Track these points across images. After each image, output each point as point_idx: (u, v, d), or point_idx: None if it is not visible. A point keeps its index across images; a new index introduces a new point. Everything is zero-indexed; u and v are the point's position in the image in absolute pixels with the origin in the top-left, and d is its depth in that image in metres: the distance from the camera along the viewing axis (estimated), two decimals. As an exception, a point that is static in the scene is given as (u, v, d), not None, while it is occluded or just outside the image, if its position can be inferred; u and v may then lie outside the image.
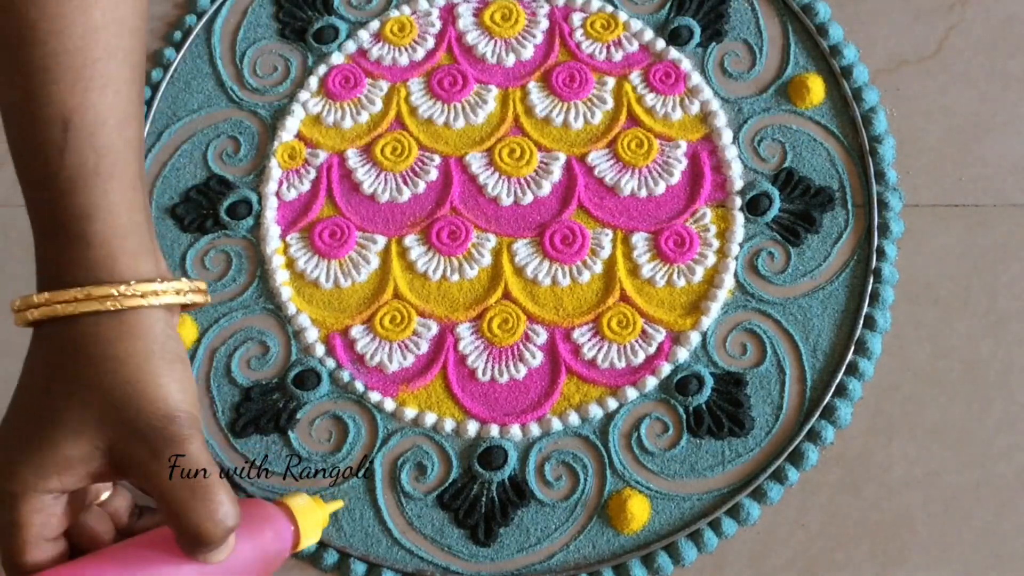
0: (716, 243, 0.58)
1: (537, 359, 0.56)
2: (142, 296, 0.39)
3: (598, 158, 0.60)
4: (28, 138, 0.40)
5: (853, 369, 0.54)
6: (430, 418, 0.55)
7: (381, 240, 0.59)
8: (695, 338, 0.56)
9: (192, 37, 0.65)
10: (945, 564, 0.51)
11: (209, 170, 0.61)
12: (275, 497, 0.54)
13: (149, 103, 0.63)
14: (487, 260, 0.58)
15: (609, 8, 0.64)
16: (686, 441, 0.54)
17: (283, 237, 0.59)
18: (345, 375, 0.56)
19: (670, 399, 0.55)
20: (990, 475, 0.52)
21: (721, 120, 0.60)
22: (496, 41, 0.63)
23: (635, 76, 0.62)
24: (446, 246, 0.58)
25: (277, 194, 0.60)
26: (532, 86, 0.62)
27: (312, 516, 0.43)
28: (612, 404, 0.55)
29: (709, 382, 0.55)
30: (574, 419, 0.55)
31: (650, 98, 0.61)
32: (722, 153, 0.59)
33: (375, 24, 0.64)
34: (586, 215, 0.59)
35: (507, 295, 0.57)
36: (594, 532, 0.53)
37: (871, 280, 0.56)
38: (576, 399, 0.55)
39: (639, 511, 0.52)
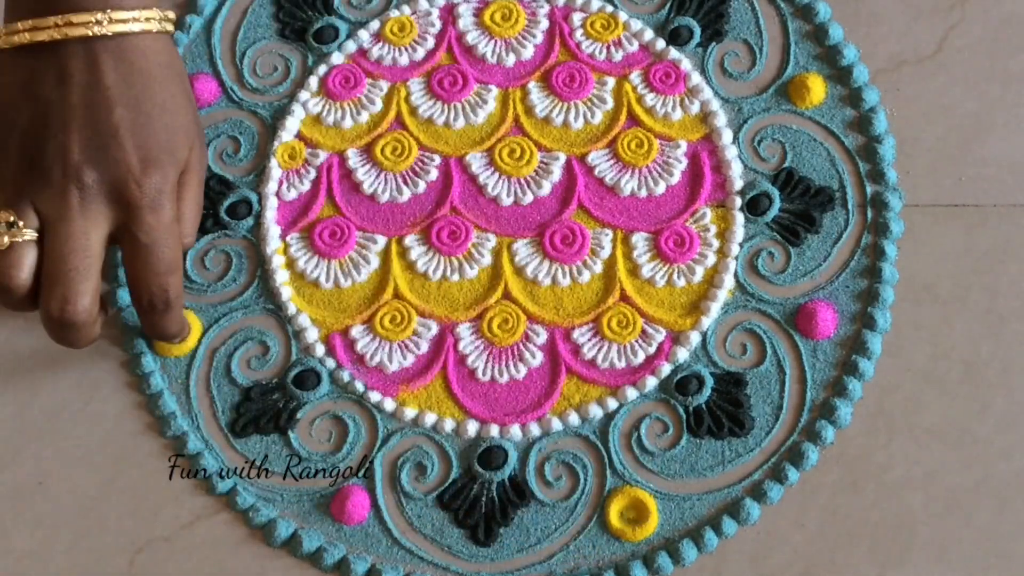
0: (716, 243, 0.58)
1: (537, 359, 0.56)
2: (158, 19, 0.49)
3: (598, 158, 0.60)
4: None
5: (853, 369, 0.54)
6: (430, 418, 0.55)
7: (381, 240, 0.59)
8: (695, 338, 0.56)
9: (192, 37, 0.65)
10: (945, 564, 0.51)
11: (209, 170, 0.61)
12: (274, 498, 0.54)
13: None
14: (487, 260, 0.58)
15: (609, 8, 0.64)
16: (686, 441, 0.54)
17: (283, 237, 0.59)
18: (345, 375, 0.56)
19: (670, 399, 0.55)
20: (990, 475, 0.52)
21: (721, 120, 0.60)
22: (496, 41, 0.63)
23: (635, 76, 0.62)
24: (446, 246, 0.58)
25: (277, 194, 0.60)
26: (532, 86, 0.62)
27: None
28: (612, 404, 0.55)
29: (709, 382, 0.55)
30: (574, 419, 0.55)
31: (650, 98, 0.61)
32: (722, 153, 0.59)
33: (375, 24, 0.64)
34: (586, 215, 0.59)
35: (507, 295, 0.57)
36: (594, 532, 0.53)
37: (871, 280, 0.56)
38: (576, 399, 0.55)
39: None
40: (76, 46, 0.45)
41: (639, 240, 0.58)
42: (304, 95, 0.63)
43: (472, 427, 0.55)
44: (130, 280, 0.48)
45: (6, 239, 0.45)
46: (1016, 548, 0.51)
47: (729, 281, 0.57)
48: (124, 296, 0.58)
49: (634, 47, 0.63)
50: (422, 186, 0.60)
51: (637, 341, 0.56)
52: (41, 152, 0.45)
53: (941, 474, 0.52)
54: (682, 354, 0.55)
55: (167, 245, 0.47)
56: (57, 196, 0.45)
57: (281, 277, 0.58)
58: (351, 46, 0.64)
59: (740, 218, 0.58)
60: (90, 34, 0.45)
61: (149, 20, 0.47)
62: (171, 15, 0.48)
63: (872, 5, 0.63)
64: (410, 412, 0.55)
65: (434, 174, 0.60)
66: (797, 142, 0.60)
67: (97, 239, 0.46)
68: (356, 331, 0.57)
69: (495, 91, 0.62)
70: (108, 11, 0.46)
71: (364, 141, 0.62)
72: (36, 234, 0.46)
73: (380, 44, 0.64)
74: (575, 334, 0.56)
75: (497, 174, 0.60)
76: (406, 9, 0.65)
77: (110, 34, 0.46)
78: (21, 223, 0.45)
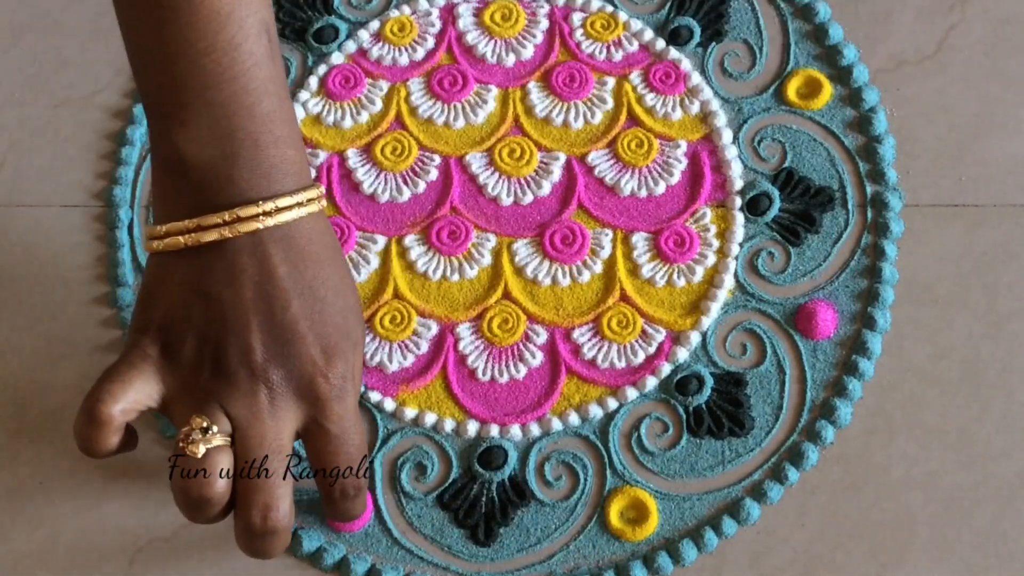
0: (716, 243, 0.58)
1: (537, 359, 0.56)
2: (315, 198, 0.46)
3: (598, 158, 0.60)
4: (223, 45, 0.43)
5: (853, 369, 0.54)
6: (430, 418, 0.55)
7: (381, 240, 0.59)
8: (695, 338, 0.56)
9: (192, 37, 0.65)
10: (945, 564, 0.51)
11: (209, 170, 0.61)
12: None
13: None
14: (487, 260, 0.58)
15: (609, 8, 0.64)
16: (686, 441, 0.54)
17: (283, 237, 0.59)
18: (345, 375, 0.56)
19: (670, 399, 0.55)
20: (990, 475, 0.52)
21: (721, 120, 0.60)
22: (496, 41, 0.63)
23: (635, 76, 0.62)
24: (446, 246, 0.58)
25: (277, 194, 0.60)
26: (532, 86, 0.62)
27: None
28: (612, 404, 0.55)
29: (709, 382, 0.55)
30: (574, 419, 0.55)
31: (650, 98, 0.61)
32: (722, 153, 0.59)
33: (375, 24, 0.64)
34: (586, 215, 0.59)
35: (507, 295, 0.57)
36: (594, 532, 0.53)
37: (871, 280, 0.56)
38: (576, 399, 0.55)
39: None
40: (244, 240, 0.43)
41: (639, 240, 0.58)
42: (304, 95, 0.63)
43: (472, 427, 0.55)
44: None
45: (202, 447, 0.42)
46: (1016, 548, 0.51)
47: (729, 281, 0.57)
48: (125, 295, 0.58)
49: (634, 47, 0.63)
50: (422, 186, 0.60)
51: (637, 341, 0.56)
52: (223, 354, 0.43)
53: (941, 474, 0.52)
54: (682, 354, 0.55)
55: (356, 431, 0.45)
56: (247, 398, 0.43)
57: (281, 277, 0.58)
58: (351, 46, 0.64)
59: (740, 218, 0.58)
60: (260, 227, 0.43)
61: (311, 202, 0.44)
62: (322, 189, 0.46)
63: (872, 5, 0.63)
64: (410, 412, 0.55)
65: (434, 174, 0.60)
66: (797, 142, 0.60)
67: (288, 437, 0.44)
68: (356, 331, 0.57)
69: (495, 91, 0.62)
70: (273, 199, 0.43)
71: (364, 141, 0.62)
72: (229, 439, 0.43)
73: (380, 44, 0.64)
74: (575, 334, 0.56)
75: (497, 174, 0.60)
76: (406, 9, 0.65)
77: (279, 224, 0.43)
78: (215, 428, 0.43)
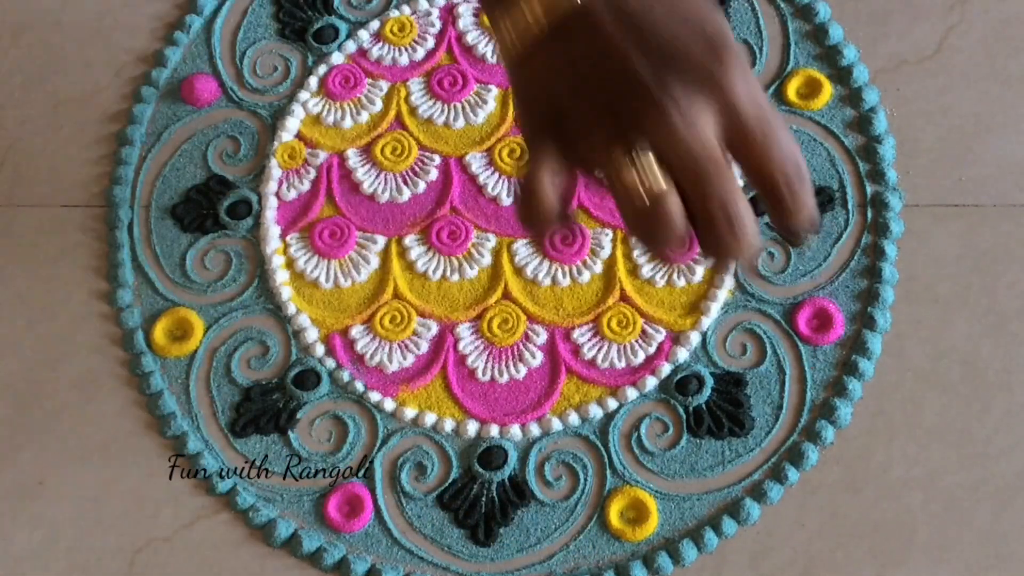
0: (716, 243, 0.58)
1: (537, 359, 0.56)
2: None
3: (598, 158, 0.60)
4: None
5: (853, 369, 0.54)
6: (430, 418, 0.55)
7: (381, 240, 0.59)
8: (695, 338, 0.56)
9: (192, 37, 0.65)
10: (945, 564, 0.51)
11: (209, 170, 0.61)
12: (274, 498, 0.54)
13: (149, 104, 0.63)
14: (487, 260, 0.58)
15: (609, 8, 0.64)
16: (686, 441, 0.54)
17: (283, 237, 0.59)
18: (345, 375, 0.56)
19: (670, 399, 0.55)
20: (990, 475, 0.52)
21: (721, 120, 0.60)
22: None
23: (635, 76, 0.62)
24: (446, 246, 0.58)
25: (277, 194, 0.60)
26: (532, 86, 0.62)
27: None
28: (612, 404, 0.55)
29: (709, 382, 0.55)
30: (574, 419, 0.55)
31: (650, 98, 0.61)
32: (722, 153, 0.59)
33: (375, 24, 0.64)
34: (586, 215, 0.59)
35: (507, 295, 0.57)
36: (594, 532, 0.53)
37: (871, 280, 0.56)
38: (576, 399, 0.55)
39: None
40: None
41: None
42: (304, 95, 0.63)
43: (472, 427, 0.55)
44: (756, 167, 0.42)
45: (635, 165, 0.41)
46: (1016, 548, 0.51)
47: (729, 281, 0.57)
48: (125, 295, 0.58)
49: (634, 47, 0.63)
50: (422, 186, 0.60)
51: (637, 341, 0.56)
52: (615, 91, 0.41)
53: (941, 474, 0.52)
54: (682, 354, 0.55)
55: (778, 121, 0.41)
56: (657, 118, 0.40)
57: (281, 277, 0.58)
58: (351, 46, 0.64)
59: (740, 218, 0.58)
60: None
61: None
62: None
63: (872, 5, 0.63)
64: (410, 412, 0.55)
65: (434, 174, 0.60)
66: (797, 142, 0.59)
67: (714, 141, 0.41)
68: (356, 331, 0.57)
69: (495, 91, 0.62)
70: None
71: (364, 141, 0.62)
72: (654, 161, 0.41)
73: (380, 44, 0.64)
74: (575, 334, 0.56)
75: (497, 174, 0.60)
76: (406, 9, 0.65)
77: None
78: (638, 148, 0.40)
